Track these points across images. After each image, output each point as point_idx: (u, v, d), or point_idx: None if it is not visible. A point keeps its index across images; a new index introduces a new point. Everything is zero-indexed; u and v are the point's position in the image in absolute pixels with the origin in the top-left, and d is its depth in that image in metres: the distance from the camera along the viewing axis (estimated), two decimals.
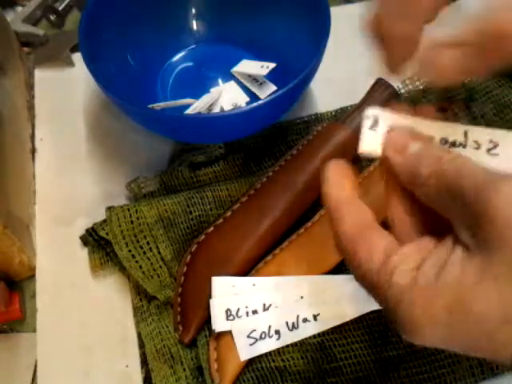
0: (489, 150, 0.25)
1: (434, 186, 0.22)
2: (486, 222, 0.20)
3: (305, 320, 0.37)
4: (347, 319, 0.37)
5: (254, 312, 0.37)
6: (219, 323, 0.37)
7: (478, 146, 0.25)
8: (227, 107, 0.49)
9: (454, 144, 0.25)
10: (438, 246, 0.22)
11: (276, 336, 0.37)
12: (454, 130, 0.25)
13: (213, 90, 0.51)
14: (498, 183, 0.20)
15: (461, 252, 0.21)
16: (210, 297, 0.38)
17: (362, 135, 0.25)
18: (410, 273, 0.21)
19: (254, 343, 0.36)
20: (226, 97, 0.50)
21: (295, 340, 0.37)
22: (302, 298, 0.38)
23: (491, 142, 0.25)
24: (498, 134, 0.25)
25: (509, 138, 0.25)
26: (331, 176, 0.25)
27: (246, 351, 0.36)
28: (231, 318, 0.37)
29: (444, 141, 0.25)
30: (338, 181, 0.25)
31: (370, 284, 0.23)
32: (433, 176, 0.22)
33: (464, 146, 0.25)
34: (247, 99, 0.50)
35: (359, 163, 0.45)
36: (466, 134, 0.25)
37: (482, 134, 0.25)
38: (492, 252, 0.20)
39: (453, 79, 0.24)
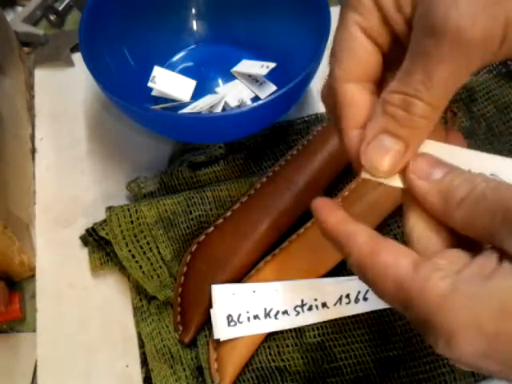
0: None
1: (470, 208, 0.21)
2: None
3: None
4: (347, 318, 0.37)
5: (256, 317, 0.37)
6: (221, 332, 0.36)
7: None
8: (233, 103, 0.49)
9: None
10: (478, 257, 0.21)
11: None
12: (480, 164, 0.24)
13: (218, 89, 0.51)
14: None
15: (509, 265, 0.20)
16: (210, 297, 0.38)
17: None
18: (447, 279, 0.20)
19: None
20: (232, 93, 0.50)
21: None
22: (302, 301, 0.37)
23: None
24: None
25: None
26: (322, 211, 0.24)
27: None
28: (233, 323, 0.36)
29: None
30: (332, 212, 0.24)
31: (397, 294, 0.21)
32: (468, 198, 0.21)
33: None
34: (252, 95, 0.50)
35: None
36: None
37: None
38: None
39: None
